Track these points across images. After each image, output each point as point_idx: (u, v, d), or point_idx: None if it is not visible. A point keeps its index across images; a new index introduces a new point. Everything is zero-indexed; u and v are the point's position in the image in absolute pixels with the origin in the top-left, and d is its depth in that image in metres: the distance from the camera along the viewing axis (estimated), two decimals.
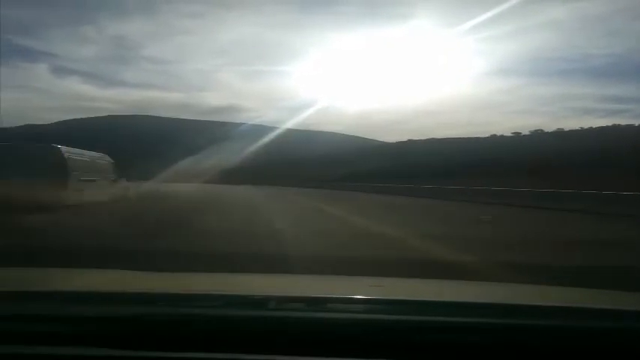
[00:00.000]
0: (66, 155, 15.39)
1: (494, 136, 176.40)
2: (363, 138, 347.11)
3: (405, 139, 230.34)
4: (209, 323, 1.29)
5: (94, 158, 18.00)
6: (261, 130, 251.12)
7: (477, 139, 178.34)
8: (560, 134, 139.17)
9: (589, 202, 18.80)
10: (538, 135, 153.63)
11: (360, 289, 1.94)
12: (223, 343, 1.24)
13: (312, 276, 3.52)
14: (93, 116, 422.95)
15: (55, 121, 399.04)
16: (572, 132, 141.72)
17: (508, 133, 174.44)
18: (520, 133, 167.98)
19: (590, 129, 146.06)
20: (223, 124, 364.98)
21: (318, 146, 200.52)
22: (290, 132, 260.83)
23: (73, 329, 1.27)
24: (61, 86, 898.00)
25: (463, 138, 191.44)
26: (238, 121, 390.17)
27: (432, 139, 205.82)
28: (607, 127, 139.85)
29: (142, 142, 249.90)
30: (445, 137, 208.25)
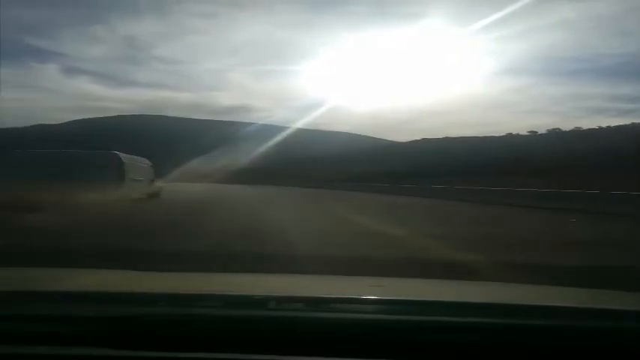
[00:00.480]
0: (123, 160, 18.54)
1: (509, 135, 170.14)
2: (374, 137, 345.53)
3: (415, 138, 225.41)
4: (209, 323, 1.29)
5: (139, 162, 20.89)
6: (271, 129, 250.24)
7: (493, 138, 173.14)
8: (577, 133, 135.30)
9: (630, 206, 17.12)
10: (555, 134, 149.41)
11: (360, 289, 1.95)
12: (223, 343, 1.24)
13: (312, 276, 3.39)
14: (103, 116, 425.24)
15: (66, 121, 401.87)
16: (590, 131, 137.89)
17: (524, 132, 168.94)
18: (536, 131, 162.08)
19: (608, 128, 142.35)
20: (234, 123, 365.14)
21: (329, 146, 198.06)
22: (300, 131, 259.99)
23: (73, 329, 1.27)
24: (71, 86, 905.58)
25: (479, 137, 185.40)
26: (249, 121, 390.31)
27: (447, 137, 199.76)
28: (624, 125, 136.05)
29: (152, 142, 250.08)
30: (460, 136, 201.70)
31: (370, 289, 1.92)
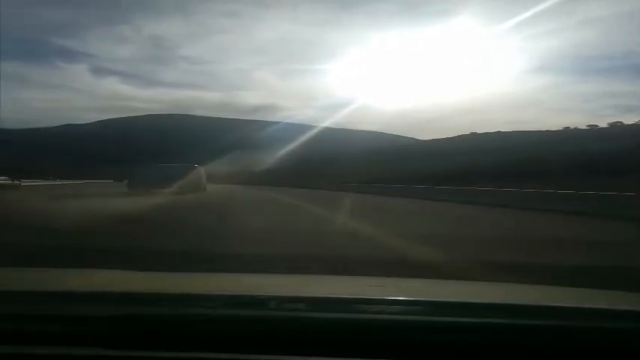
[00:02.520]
0: (201, 170, 34.15)
1: (567, 129, 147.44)
2: (401, 136, 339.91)
3: (443, 136, 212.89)
4: (209, 323, 1.30)
5: (202, 169, 35.15)
6: (298, 128, 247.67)
7: (548, 132, 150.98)
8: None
9: None
10: (619, 128, 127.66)
11: (360, 289, 1.96)
12: (223, 343, 1.25)
13: (312, 276, 3.36)
14: (131, 116, 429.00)
15: (94, 120, 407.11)
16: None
17: (583, 126, 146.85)
18: (597, 125, 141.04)
19: None
20: (261, 122, 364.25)
21: (356, 144, 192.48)
22: (327, 130, 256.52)
23: (73, 329, 1.28)
24: (99, 86, 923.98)
25: (533, 131, 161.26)
26: (276, 120, 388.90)
27: (499, 132, 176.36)
28: None
29: (180, 141, 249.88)
30: (515, 130, 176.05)
31: (370, 289, 1.93)
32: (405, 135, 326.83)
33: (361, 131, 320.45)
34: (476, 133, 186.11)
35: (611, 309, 1.50)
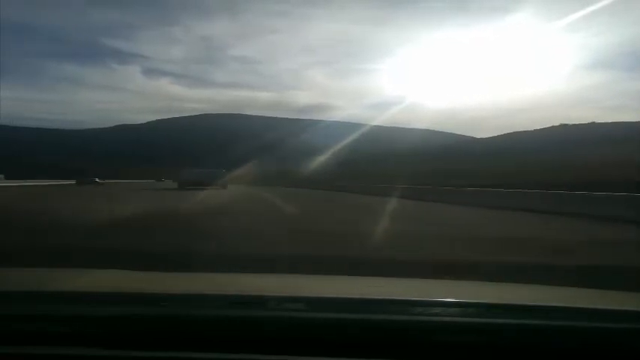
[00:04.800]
0: (225, 173, 47.69)
1: None
2: (453, 134, 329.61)
3: (503, 133, 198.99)
4: (209, 323, 1.30)
5: (226, 173, 48.19)
6: (347, 127, 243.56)
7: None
8: None
9: None
10: None
11: (360, 289, 1.95)
12: (223, 343, 1.26)
13: (312, 276, 3.33)
14: (185, 116, 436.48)
15: (147, 121, 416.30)
16: None
17: None
18: None
19: None
20: (310, 121, 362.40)
21: (405, 142, 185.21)
22: (378, 129, 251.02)
23: (73, 329, 1.28)
24: (152, 87, 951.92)
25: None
26: (326, 119, 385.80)
27: (593, 123, 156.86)
28: None
29: (228, 141, 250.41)
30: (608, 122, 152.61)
31: (370, 289, 1.94)
32: (457, 133, 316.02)
33: (411, 129, 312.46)
34: (566, 125, 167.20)
35: (611, 309, 1.50)
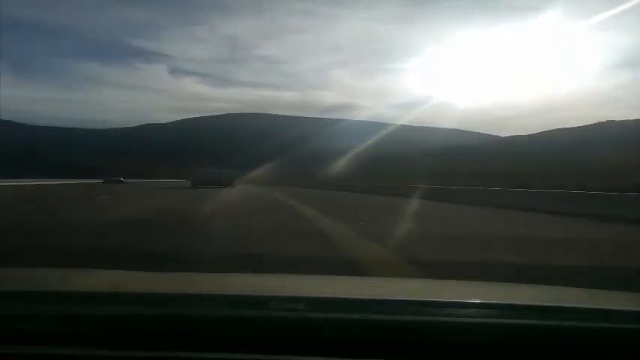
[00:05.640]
0: (235, 172, 54.69)
1: None
2: (480, 133, 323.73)
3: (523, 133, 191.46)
4: (209, 323, 1.31)
5: (236, 173, 54.61)
6: (374, 126, 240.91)
7: None
8: None
9: None
10: None
11: (360, 289, 1.97)
12: (223, 343, 1.26)
13: (312, 276, 3.36)
14: (209, 115, 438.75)
15: (172, 120, 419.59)
16: None
17: None
18: None
19: None
20: (333, 121, 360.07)
21: (431, 141, 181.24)
22: (403, 128, 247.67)
23: (73, 329, 1.29)
24: (177, 86, 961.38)
25: None
26: (352, 118, 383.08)
27: (630, 120, 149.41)
28: None
29: (251, 141, 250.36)
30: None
31: (370, 289, 1.95)
32: (484, 132, 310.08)
33: (436, 128, 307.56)
34: (613, 120, 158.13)
35: (611, 309, 1.49)
